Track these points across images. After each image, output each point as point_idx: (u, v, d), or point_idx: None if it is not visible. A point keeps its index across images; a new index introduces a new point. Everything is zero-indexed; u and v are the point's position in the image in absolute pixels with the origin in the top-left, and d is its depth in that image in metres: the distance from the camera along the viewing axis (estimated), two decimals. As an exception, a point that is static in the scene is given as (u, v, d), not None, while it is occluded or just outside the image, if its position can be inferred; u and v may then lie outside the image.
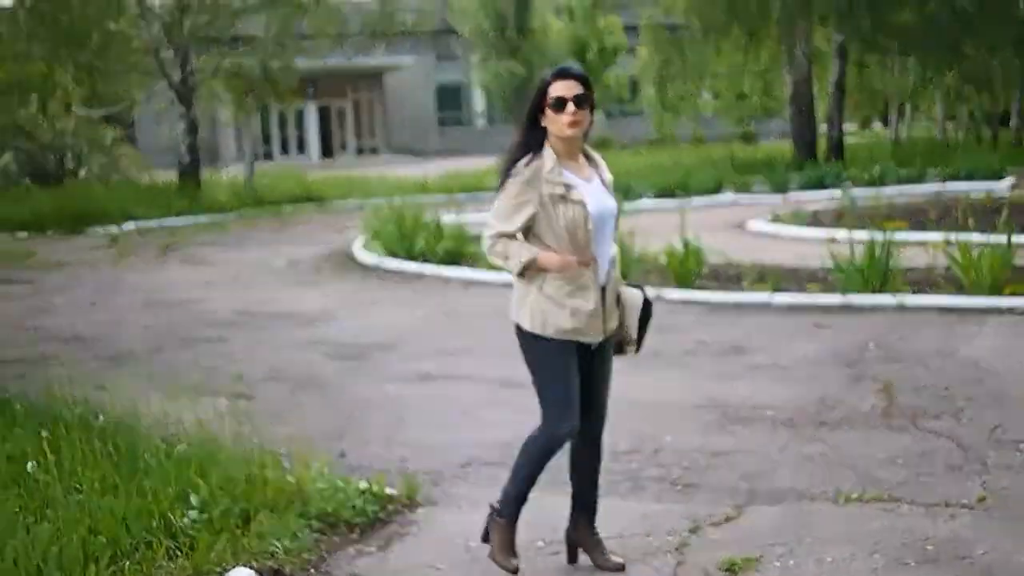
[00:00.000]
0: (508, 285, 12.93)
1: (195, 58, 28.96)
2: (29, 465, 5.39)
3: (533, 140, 4.86)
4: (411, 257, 15.37)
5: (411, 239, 15.53)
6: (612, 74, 51.88)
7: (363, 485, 5.91)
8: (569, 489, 5.29)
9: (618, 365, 8.41)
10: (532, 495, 5.19)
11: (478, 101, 61.78)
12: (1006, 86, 38.99)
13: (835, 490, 5.87)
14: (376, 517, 5.71)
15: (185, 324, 11.93)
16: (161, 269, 16.90)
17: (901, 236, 14.31)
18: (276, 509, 5.54)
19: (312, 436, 7.32)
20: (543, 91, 4.79)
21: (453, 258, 14.96)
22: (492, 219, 4.86)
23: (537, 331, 4.96)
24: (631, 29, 43.47)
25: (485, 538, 5.12)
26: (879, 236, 11.63)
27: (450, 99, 62.88)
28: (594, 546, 5.15)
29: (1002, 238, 11.40)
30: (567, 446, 5.18)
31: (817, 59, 34.97)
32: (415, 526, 5.66)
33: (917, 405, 7.42)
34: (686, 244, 12.45)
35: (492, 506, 5.14)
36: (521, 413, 7.56)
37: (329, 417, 7.90)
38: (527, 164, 4.80)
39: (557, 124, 4.79)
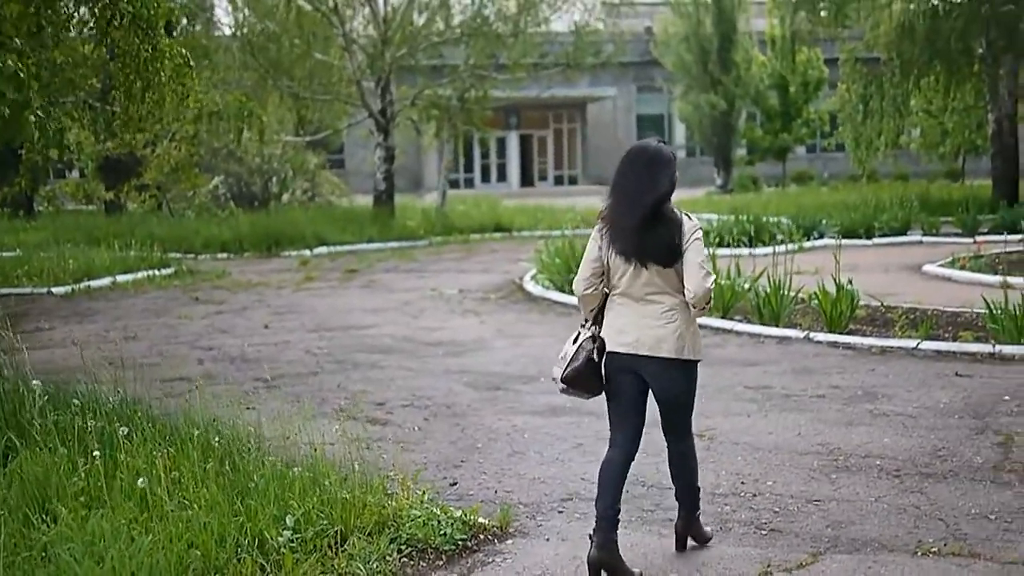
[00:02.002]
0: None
1: (395, 88, 29.86)
2: (140, 480, 5.83)
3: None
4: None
5: (575, 272, 15.76)
6: (813, 108, 51.38)
7: (457, 514, 6.20)
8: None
9: (744, 408, 8.60)
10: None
11: (678, 133, 61.74)
12: None
13: (917, 542, 5.91)
14: (464, 545, 5.99)
15: (346, 348, 12.46)
16: (340, 293, 17.57)
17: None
18: (371, 532, 5.89)
19: (432, 463, 7.73)
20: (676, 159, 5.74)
21: (615, 293, 15.16)
22: (707, 260, 5.63)
23: (700, 357, 5.73)
24: (833, 62, 42.90)
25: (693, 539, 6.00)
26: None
27: (651, 130, 62.83)
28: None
29: None
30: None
31: (1022, 97, 34.01)
32: (500, 556, 5.92)
33: (1031, 461, 7.37)
34: (839, 287, 12.41)
35: (685, 516, 5.98)
36: (632, 452, 7.83)
37: (454, 446, 8.24)
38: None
39: None
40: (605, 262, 5.64)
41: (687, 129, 55.51)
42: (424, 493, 6.43)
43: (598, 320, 5.77)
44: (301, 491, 6.02)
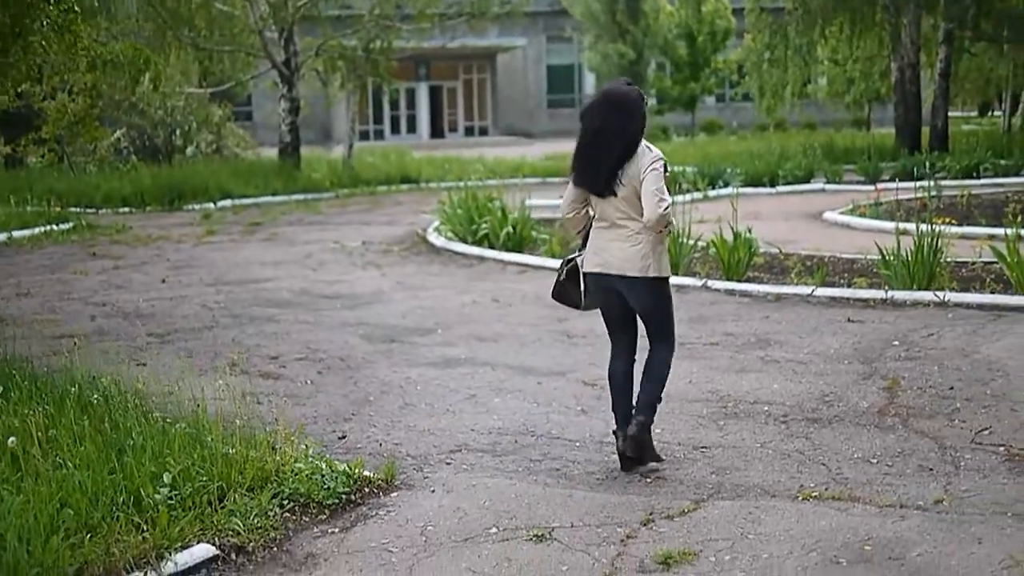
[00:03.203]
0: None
1: (299, 38, 29.44)
2: (10, 440, 5.69)
3: None
4: (476, 241, 15.62)
5: (477, 223, 15.76)
6: (721, 58, 51.60)
7: (342, 468, 6.14)
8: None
9: (637, 356, 8.61)
10: (494, 482, 5.93)
11: (588, 83, 61.70)
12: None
13: (799, 487, 5.96)
14: (348, 499, 5.93)
15: (243, 302, 12.30)
16: (241, 247, 17.35)
17: (968, 230, 14.22)
18: (253, 488, 5.81)
19: (322, 416, 7.67)
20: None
21: (516, 243, 15.16)
22: (663, 188, 6.03)
23: (666, 274, 6.27)
24: (740, 12, 43.07)
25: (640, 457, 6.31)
26: (931, 230, 11.51)
27: (560, 81, 63.01)
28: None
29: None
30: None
31: (925, 46, 34.38)
32: (384, 509, 5.86)
33: (915, 405, 7.45)
34: (737, 235, 12.47)
35: (642, 423, 6.26)
36: (526, 401, 7.85)
37: (345, 399, 8.16)
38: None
39: None
40: (585, 191, 6.29)
41: (596, 79, 55.42)
42: (308, 448, 6.35)
43: (585, 242, 6.41)
44: (181, 448, 5.91)
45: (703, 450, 6.68)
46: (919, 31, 32.08)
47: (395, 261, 15.30)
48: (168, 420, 6.57)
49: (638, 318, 6.44)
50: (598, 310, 6.55)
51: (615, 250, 6.16)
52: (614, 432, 6.40)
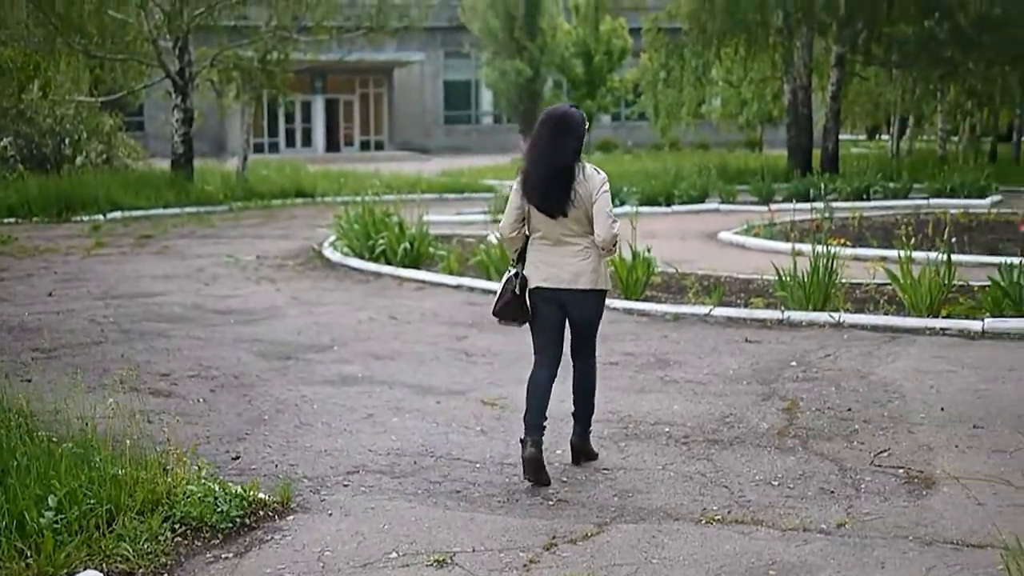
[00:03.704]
0: (456, 287, 13.06)
1: (193, 48, 29.01)
2: None
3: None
4: (373, 257, 15.46)
5: (374, 238, 15.60)
6: (617, 77, 51.96)
7: (236, 490, 5.96)
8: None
9: (529, 375, 8.48)
10: (393, 504, 5.78)
11: (485, 100, 61.78)
12: (1006, 103, 38.94)
13: (702, 510, 5.91)
14: (243, 523, 5.75)
15: (133, 317, 12.00)
16: (131, 260, 16.97)
17: (862, 252, 14.39)
18: (143, 511, 5.60)
19: (215, 436, 7.46)
20: (586, 122, 6.53)
21: (413, 259, 15.03)
22: (613, 214, 6.38)
23: (609, 287, 6.68)
24: (637, 32, 43.42)
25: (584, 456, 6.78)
26: (826, 251, 11.61)
27: (458, 97, 62.95)
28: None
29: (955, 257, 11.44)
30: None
31: (817, 69, 34.94)
32: (280, 533, 5.69)
33: (815, 426, 7.47)
34: (635, 254, 12.47)
35: (583, 432, 6.76)
36: (425, 420, 7.72)
37: (239, 418, 7.96)
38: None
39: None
40: (525, 210, 6.52)
41: (494, 96, 55.46)
42: (202, 469, 6.16)
43: (522, 258, 6.63)
44: (68, 469, 5.68)
45: (605, 472, 6.60)
46: (811, 54, 32.60)
47: (290, 276, 15.07)
48: (54, 440, 6.32)
49: (567, 331, 6.68)
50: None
51: (565, 265, 6.43)
52: (521, 440, 6.44)
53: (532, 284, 6.54)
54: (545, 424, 6.46)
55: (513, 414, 7.88)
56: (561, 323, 6.61)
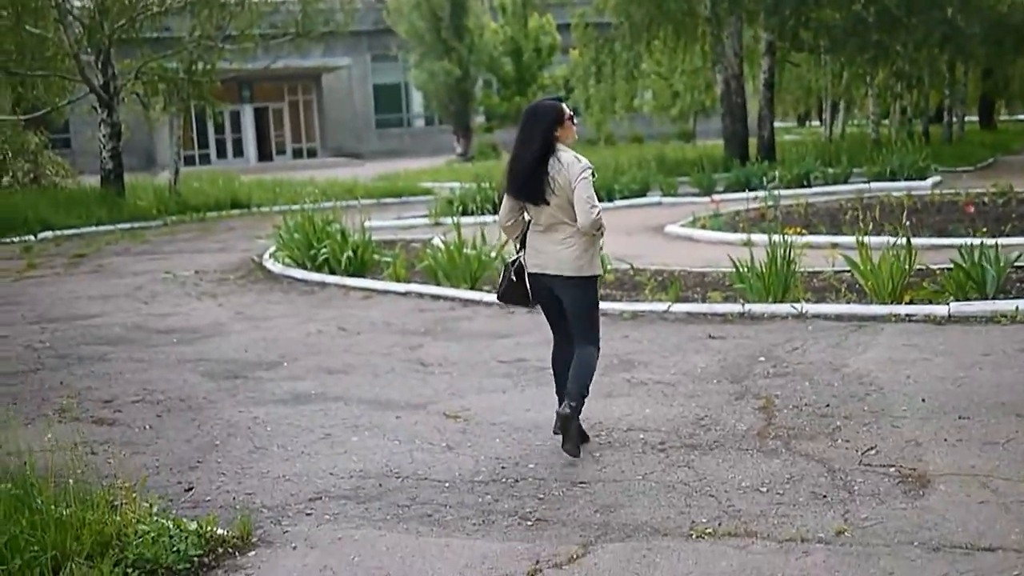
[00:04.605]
0: (405, 294, 12.67)
1: (116, 61, 28.36)
2: None
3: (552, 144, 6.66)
4: (316, 266, 15.04)
5: (316, 247, 15.17)
6: (547, 73, 51.75)
7: (192, 526, 5.55)
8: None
9: (498, 384, 8.21)
10: (361, 533, 5.18)
11: (416, 102, 61.37)
12: (935, 85, 39.18)
13: (690, 523, 5.56)
14: (201, 562, 5.34)
15: (71, 341, 11.50)
16: (65, 281, 16.42)
17: (814, 240, 14.17)
18: (92, 556, 5.18)
19: (165, 466, 7.05)
20: (560, 112, 6.66)
21: (358, 267, 14.62)
22: (592, 195, 6.53)
23: (597, 273, 6.83)
24: (566, 27, 43.19)
25: (564, 430, 6.74)
26: (783, 241, 11.34)
27: (388, 100, 62.50)
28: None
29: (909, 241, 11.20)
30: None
31: (748, 57, 34.88)
32: (242, 571, 5.28)
33: (794, 425, 7.16)
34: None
35: (573, 407, 6.67)
36: (386, 438, 7.35)
37: (189, 444, 7.53)
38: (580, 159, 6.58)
39: (571, 132, 6.72)
40: (520, 201, 6.80)
41: (424, 98, 55.09)
42: (152, 505, 5.75)
43: (523, 245, 6.92)
44: (7, 513, 5.25)
45: (583, 486, 6.24)
46: (741, 43, 32.52)
47: (231, 290, 14.60)
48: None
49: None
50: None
51: (551, 252, 6.70)
52: (557, 412, 6.81)
53: (527, 270, 6.88)
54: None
55: (478, 426, 7.54)
56: (558, 304, 6.87)
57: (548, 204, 6.62)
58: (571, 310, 6.81)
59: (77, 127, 48.58)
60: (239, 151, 57.78)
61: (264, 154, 58.03)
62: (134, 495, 5.75)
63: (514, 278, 6.95)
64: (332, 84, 60.07)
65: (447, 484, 6.39)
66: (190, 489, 6.57)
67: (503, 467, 6.63)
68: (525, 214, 6.89)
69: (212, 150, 57.53)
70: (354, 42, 54.28)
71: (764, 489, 6.01)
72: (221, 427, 7.93)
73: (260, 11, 30.22)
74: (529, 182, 6.64)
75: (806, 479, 6.13)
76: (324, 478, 6.63)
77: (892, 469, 6.21)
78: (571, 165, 6.55)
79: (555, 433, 6.95)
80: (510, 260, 7.05)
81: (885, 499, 5.76)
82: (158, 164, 49.27)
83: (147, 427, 8.03)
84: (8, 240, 22.84)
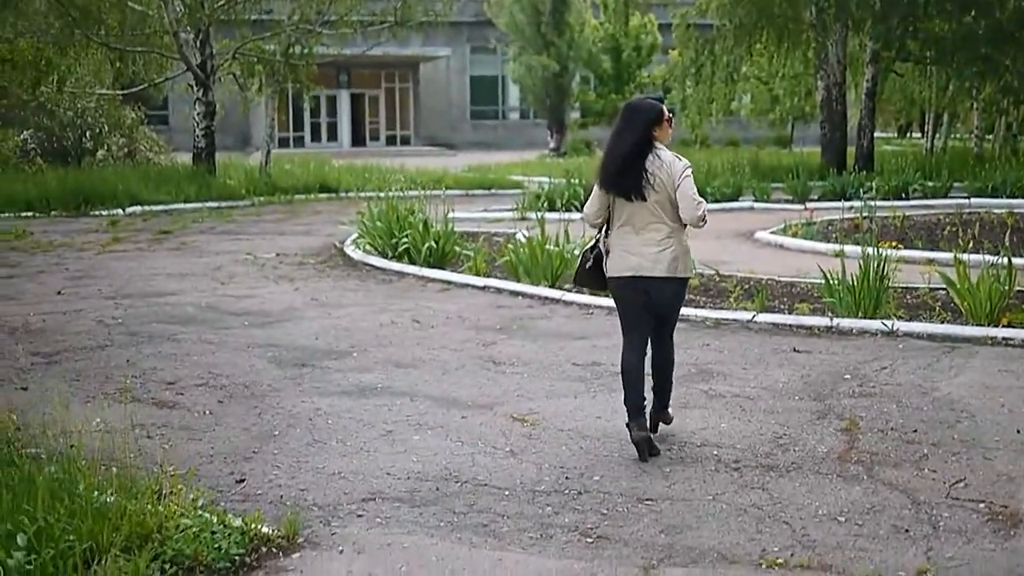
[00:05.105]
0: (483, 289, 12.39)
1: (215, 41, 28.45)
2: None
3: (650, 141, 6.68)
4: (396, 256, 14.82)
5: (398, 236, 14.95)
6: (646, 72, 51.25)
7: (236, 523, 5.31)
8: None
9: (570, 388, 7.90)
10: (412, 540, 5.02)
11: (512, 95, 61.11)
12: (1044, 101, 38.14)
13: (761, 551, 5.21)
14: (242, 561, 5.10)
15: (144, 318, 11.38)
16: (147, 257, 16.38)
17: (909, 255, 13.68)
18: (130, 548, 4.96)
19: (220, 454, 6.83)
20: (660, 112, 6.65)
21: (438, 259, 14.38)
22: (696, 191, 6.60)
23: (691, 275, 7.07)
24: (667, 28, 42.66)
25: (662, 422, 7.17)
26: (877, 253, 10.90)
27: (485, 92, 62.34)
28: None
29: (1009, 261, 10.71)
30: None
31: (851, 65, 34.17)
32: (284, 573, 5.04)
33: (879, 450, 6.75)
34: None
35: (665, 404, 7.12)
36: (448, 439, 7.07)
37: (247, 433, 7.31)
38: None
39: (668, 132, 6.71)
40: (609, 198, 6.76)
41: (520, 91, 54.81)
42: (198, 497, 5.52)
43: (606, 231, 6.89)
44: (46, 499, 5.04)
45: (648, 503, 5.90)
46: (845, 51, 31.85)
47: (310, 275, 14.43)
48: (41, 459, 5.70)
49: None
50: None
51: (647, 254, 6.66)
52: (627, 425, 6.76)
53: (614, 272, 6.79)
54: (645, 404, 6.78)
55: (545, 432, 7.24)
56: (644, 308, 6.79)
57: (645, 200, 6.61)
58: (665, 312, 6.85)
59: (176, 105, 49.07)
60: (333, 135, 57.94)
61: (358, 139, 58.15)
62: (180, 487, 5.54)
63: (591, 265, 6.98)
64: (429, 74, 60.03)
65: (507, 492, 6.09)
66: (242, 481, 6.34)
67: (567, 477, 6.32)
68: (608, 214, 6.85)
69: (307, 133, 57.77)
70: (454, 33, 54.17)
71: (842, 518, 5.63)
72: (282, 417, 7.70)
73: (360, -3, 30.09)
74: (626, 175, 6.62)
75: (888, 510, 5.74)
76: (380, 478, 6.36)
77: (982, 505, 5.79)
78: (673, 163, 6.62)
79: (639, 450, 6.69)
80: (589, 246, 7.04)
81: (973, 538, 5.36)
82: (253, 145, 49.55)
83: (207, 412, 7.84)
84: (97, 213, 22.98)
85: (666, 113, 6.69)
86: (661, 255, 6.64)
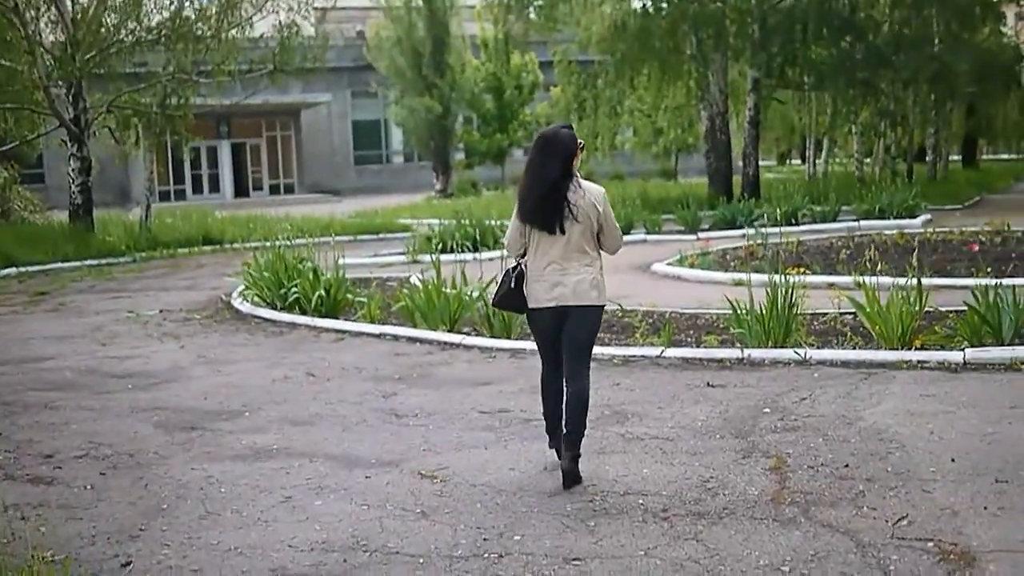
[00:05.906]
0: (379, 336, 11.88)
1: (88, 95, 27.62)
2: None
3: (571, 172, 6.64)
4: (286, 306, 14.26)
5: (287, 286, 14.38)
6: (529, 110, 51.22)
7: (120, 616, 4.76)
8: None
9: (479, 438, 7.42)
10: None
11: (395, 138, 60.74)
12: (921, 122, 38.87)
13: (703, 611, 4.79)
14: (130, 659, 4.55)
15: (17, 386, 10.68)
16: (22, 320, 15.59)
17: (809, 280, 13.49)
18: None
19: (102, 534, 6.24)
20: (577, 142, 6.64)
21: (330, 307, 13.84)
22: (615, 223, 6.80)
23: (605, 303, 6.86)
24: (548, 65, 42.60)
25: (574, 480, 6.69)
26: (783, 280, 10.62)
27: (368, 136, 61.89)
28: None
29: (914, 282, 10.48)
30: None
31: (733, 94, 34.38)
32: (178, 670, 4.50)
33: (812, 489, 6.37)
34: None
35: (575, 456, 6.69)
36: (353, 503, 6.55)
37: (133, 508, 6.71)
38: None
39: (579, 160, 6.65)
40: (526, 230, 6.71)
41: (404, 134, 54.44)
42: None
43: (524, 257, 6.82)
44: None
45: (576, 564, 5.42)
46: (727, 80, 32.03)
47: (196, 331, 13.78)
48: None
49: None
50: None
51: (570, 283, 6.61)
52: (550, 445, 7.08)
53: (535, 304, 6.73)
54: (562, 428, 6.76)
55: (457, 488, 6.75)
56: (557, 333, 6.76)
57: (566, 232, 6.57)
58: (578, 340, 6.73)
59: (51, 162, 47.85)
60: (216, 187, 56.96)
61: (241, 190, 57.26)
62: (56, 576, 4.97)
63: (513, 286, 6.85)
64: (311, 120, 59.41)
65: (421, 560, 5.58)
66: (127, 564, 5.74)
67: (485, 538, 5.84)
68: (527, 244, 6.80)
69: (188, 185, 56.74)
70: (334, 78, 53.62)
71: (786, 568, 5.22)
72: (171, 487, 7.12)
73: (237, 45, 29.41)
74: (546, 209, 6.57)
75: (832, 556, 5.34)
76: (282, 551, 5.82)
77: (930, 544, 5.42)
78: (592, 191, 6.65)
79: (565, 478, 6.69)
80: (511, 266, 6.91)
81: (928, 582, 5.00)
82: (132, 200, 48.41)
83: (88, 487, 7.21)
84: (-32, 277, 22.01)
85: (580, 142, 6.68)
86: (581, 283, 6.60)
